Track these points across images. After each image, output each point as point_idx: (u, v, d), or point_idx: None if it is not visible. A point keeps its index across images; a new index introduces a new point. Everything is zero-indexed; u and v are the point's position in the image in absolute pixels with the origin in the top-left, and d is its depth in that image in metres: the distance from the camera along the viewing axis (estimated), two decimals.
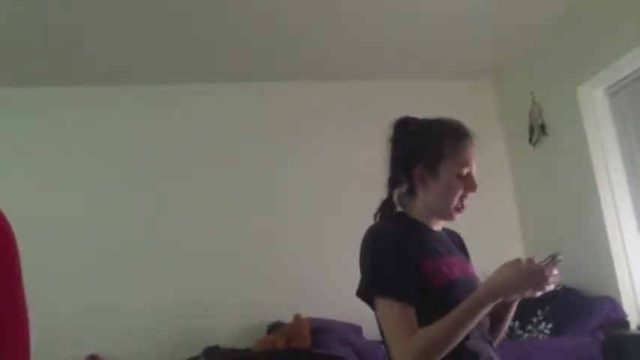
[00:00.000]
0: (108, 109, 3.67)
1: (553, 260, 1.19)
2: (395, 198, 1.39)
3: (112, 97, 3.66)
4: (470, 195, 1.32)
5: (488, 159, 3.96)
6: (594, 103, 3.20)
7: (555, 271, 1.20)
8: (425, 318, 1.18)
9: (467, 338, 1.19)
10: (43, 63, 3.31)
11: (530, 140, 3.62)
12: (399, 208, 1.39)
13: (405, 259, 1.22)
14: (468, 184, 1.31)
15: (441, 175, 1.30)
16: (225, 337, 3.34)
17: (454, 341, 1.14)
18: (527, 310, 3.00)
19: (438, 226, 1.39)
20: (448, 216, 1.34)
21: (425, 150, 1.33)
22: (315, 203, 3.71)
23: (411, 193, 1.36)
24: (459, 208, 1.32)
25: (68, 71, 3.45)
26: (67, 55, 3.26)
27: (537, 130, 3.56)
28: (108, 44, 3.19)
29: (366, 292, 1.24)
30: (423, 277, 1.22)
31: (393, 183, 1.39)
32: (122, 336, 3.28)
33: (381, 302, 1.20)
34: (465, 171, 1.30)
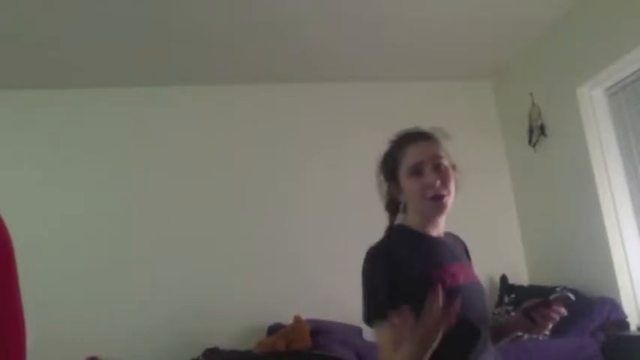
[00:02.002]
0: (108, 110, 3.67)
1: (562, 297, 1.26)
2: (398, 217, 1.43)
3: (112, 99, 3.67)
4: (440, 182, 1.30)
5: (487, 160, 4.02)
6: (594, 104, 3.20)
7: (563, 311, 1.27)
8: None
9: (471, 352, 1.21)
10: (44, 65, 3.32)
11: (530, 141, 3.62)
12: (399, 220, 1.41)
13: (393, 276, 1.22)
14: (429, 176, 1.31)
15: (401, 181, 1.35)
16: (225, 338, 3.34)
17: None
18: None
19: (437, 231, 1.38)
20: (433, 209, 1.33)
21: (384, 171, 1.41)
22: (314, 205, 3.71)
23: (402, 210, 1.40)
24: (436, 197, 1.30)
25: (68, 73, 3.45)
26: (67, 56, 3.26)
27: (537, 131, 3.57)
28: (107, 46, 3.19)
29: (366, 322, 1.25)
30: (430, 282, 1.20)
31: (389, 208, 1.44)
32: (122, 337, 3.28)
33: (376, 329, 1.22)
34: (417, 167, 1.32)
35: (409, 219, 1.38)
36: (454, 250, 1.40)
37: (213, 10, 2.92)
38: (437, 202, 1.31)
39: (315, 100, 3.91)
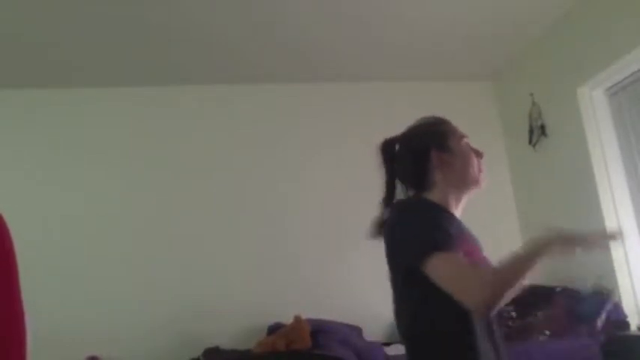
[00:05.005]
0: (108, 110, 3.67)
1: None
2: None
3: (112, 99, 3.67)
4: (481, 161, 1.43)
5: (488, 160, 3.99)
6: (594, 104, 3.20)
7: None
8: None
9: (476, 338, 1.23)
10: (44, 65, 3.32)
11: (530, 141, 3.62)
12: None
13: (447, 223, 1.27)
14: (474, 151, 1.43)
15: (453, 147, 1.40)
16: (225, 338, 3.33)
17: (514, 283, 1.23)
18: (527, 312, 2.99)
19: (458, 212, 1.41)
20: (476, 182, 1.40)
21: (429, 138, 1.41)
22: (314, 205, 3.71)
23: (425, 187, 1.38)
24: (482, 171, 1.42)
25: (68, 73, 3.45)
26: (67, 56, 3.26)
27: (537, 131, 3.56)
28: (107, 46, 3.19)
29: (425, 252, 1.18)
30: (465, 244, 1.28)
31: (388, 200, 1.43)
32: (122, 337, 3.28)
33: (439, 257, 1.16)
34: (467, 140, 1.43)
35: (434, 195, 1.37)
36: (469, 231, 1.42)
37: (213, 10, 2.92)
38: (482, 178, 1.42)
39: (315, 100, 3.91)
